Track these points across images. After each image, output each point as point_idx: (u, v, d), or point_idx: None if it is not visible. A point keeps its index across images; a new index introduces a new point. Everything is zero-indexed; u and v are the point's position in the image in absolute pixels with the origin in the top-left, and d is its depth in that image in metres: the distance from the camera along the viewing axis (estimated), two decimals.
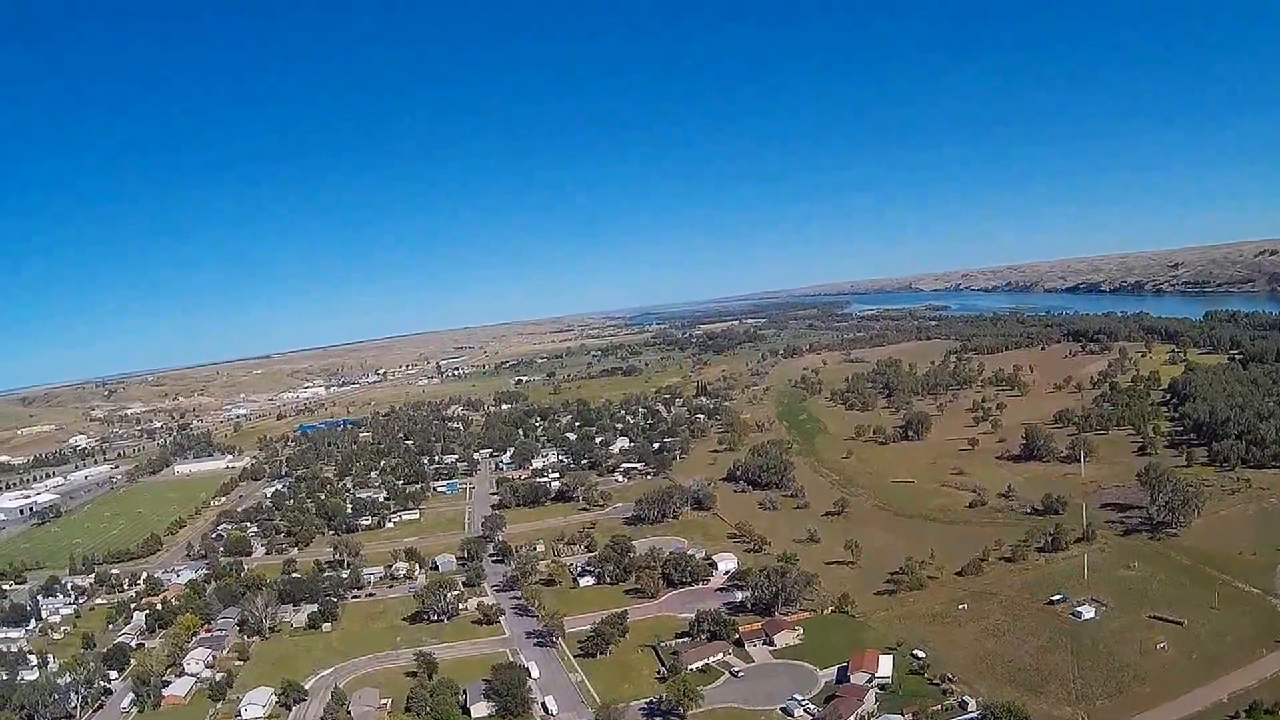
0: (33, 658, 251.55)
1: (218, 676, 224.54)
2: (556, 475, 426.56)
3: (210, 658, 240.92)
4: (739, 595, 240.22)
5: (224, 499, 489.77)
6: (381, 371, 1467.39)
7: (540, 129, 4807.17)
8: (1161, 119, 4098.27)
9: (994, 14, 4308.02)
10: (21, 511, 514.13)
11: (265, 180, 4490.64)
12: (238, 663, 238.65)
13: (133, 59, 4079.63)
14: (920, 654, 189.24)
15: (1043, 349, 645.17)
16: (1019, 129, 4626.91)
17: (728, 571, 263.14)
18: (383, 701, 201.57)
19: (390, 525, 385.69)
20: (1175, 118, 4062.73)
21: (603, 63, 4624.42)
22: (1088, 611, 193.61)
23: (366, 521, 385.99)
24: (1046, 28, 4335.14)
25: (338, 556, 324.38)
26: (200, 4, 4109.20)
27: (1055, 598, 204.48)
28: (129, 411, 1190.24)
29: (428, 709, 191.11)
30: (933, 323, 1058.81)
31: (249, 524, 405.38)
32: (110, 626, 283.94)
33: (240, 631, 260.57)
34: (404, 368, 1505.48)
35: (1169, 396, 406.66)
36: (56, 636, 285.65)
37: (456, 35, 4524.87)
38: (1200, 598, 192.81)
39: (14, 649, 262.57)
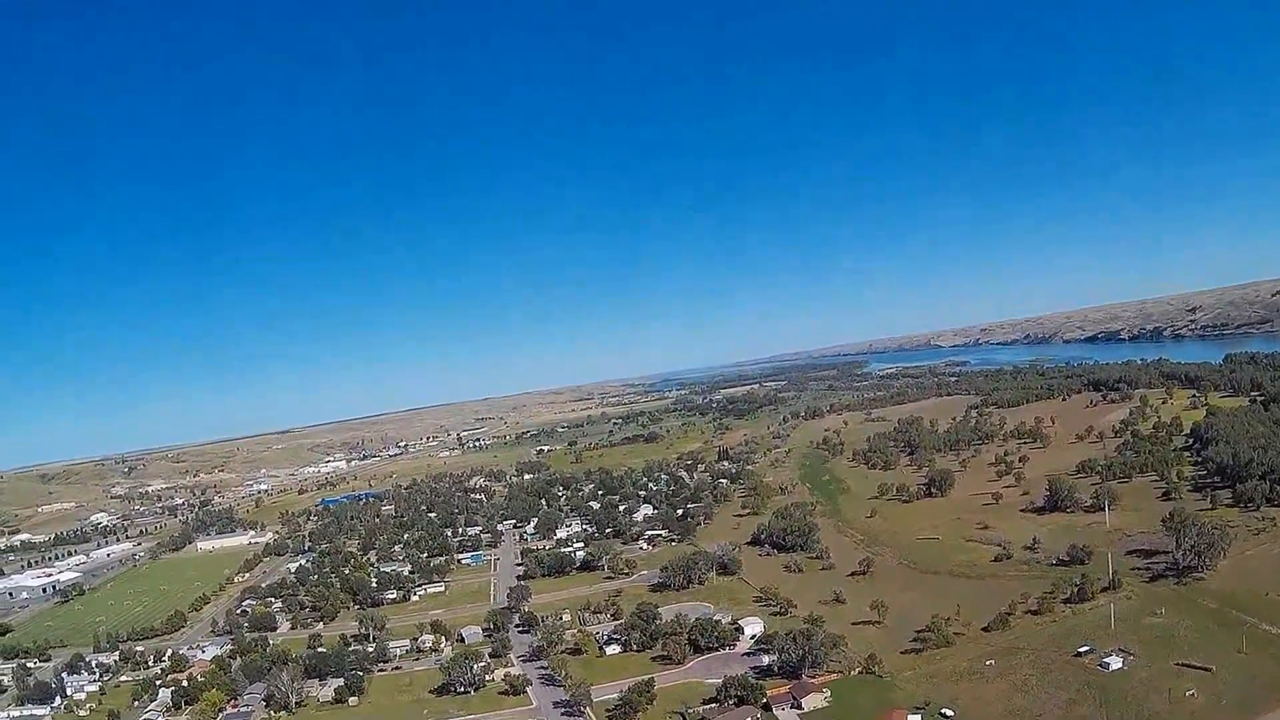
0: None
1: None
2: (581, 544, 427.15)
3: None
4: (765, 659, 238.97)
5: (247, 575, 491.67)
6: (403, 444, 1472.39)
7: (558, 200, 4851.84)
8: (1172, 162, 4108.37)
9: (1004, 66, 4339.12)
10: (44, 589, 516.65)
11: (285, 255, 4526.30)
12: None
13: (158, 132, 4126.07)
14: (948, 712, 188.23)
15: (1063, 400, 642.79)
16: (1030, 183, 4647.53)
17: (754, 635, 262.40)
18: None
19: (416, 598, 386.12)
20: (1187, 161, 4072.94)
21: (619, 132, 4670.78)
22: (1115, 662, 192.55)
23: (392, 595, 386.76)
24: (1055, 77, 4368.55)
25: (363, 630, 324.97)
26: (218, 82, 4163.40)
27: (1083, 649, 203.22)
28: (150, 488, 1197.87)
29: None
30: (952, 379, 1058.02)
31: (273, 599, 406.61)
32: (136, 704, 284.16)
33: (266, 707, 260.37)
34: (425, 440, 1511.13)
35: (1191, 441, 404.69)
36: (82, 714, 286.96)
37: (478, 102, 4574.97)
38: (1228, 642, 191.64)
39: None
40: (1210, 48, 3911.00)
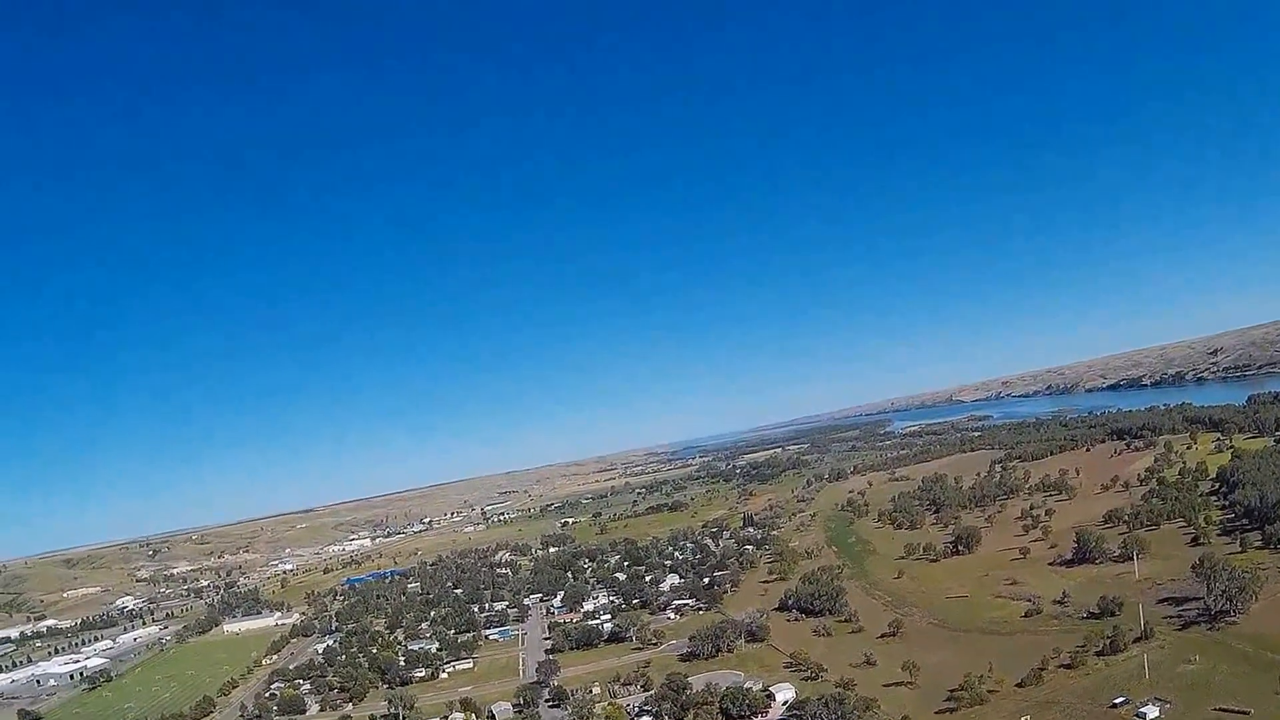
0: None
1: None
2: (608, 616, 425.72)
3: None
4: None
5: (275, 656, 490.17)
6: (426, 520, 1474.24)
7: (573, 269, 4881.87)
8: (1188, 205, 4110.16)
9: (1014, 114, 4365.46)
10: (71, 676, 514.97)
11: (301, 332, 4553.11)
12: None
13: (167, 207, 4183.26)
14: None
15: (1088, 450, 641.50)
16: (1047, 231, 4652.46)
17: (786, 702, 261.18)
18: None
19: (444, 675, 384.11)
20: (1203, 203, 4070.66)
21: (631, 198, 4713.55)
22: (1152, 711, 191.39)
23: (420, 673, 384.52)
24: (1063, 120, 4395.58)
25: (392, 710, 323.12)
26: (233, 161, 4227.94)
27: (1118, 700, 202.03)
28: (175, 571, 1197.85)
29: None
30: (975, 434, 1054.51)
31: (301, 681, 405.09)
32: None
33: None
34: (449, 515, 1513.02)
35: (1218, 485, 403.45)
36: None
37: (490, 163, 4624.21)
38: (1264, 684, 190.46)
39: None
40: (1228, 89, 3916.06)
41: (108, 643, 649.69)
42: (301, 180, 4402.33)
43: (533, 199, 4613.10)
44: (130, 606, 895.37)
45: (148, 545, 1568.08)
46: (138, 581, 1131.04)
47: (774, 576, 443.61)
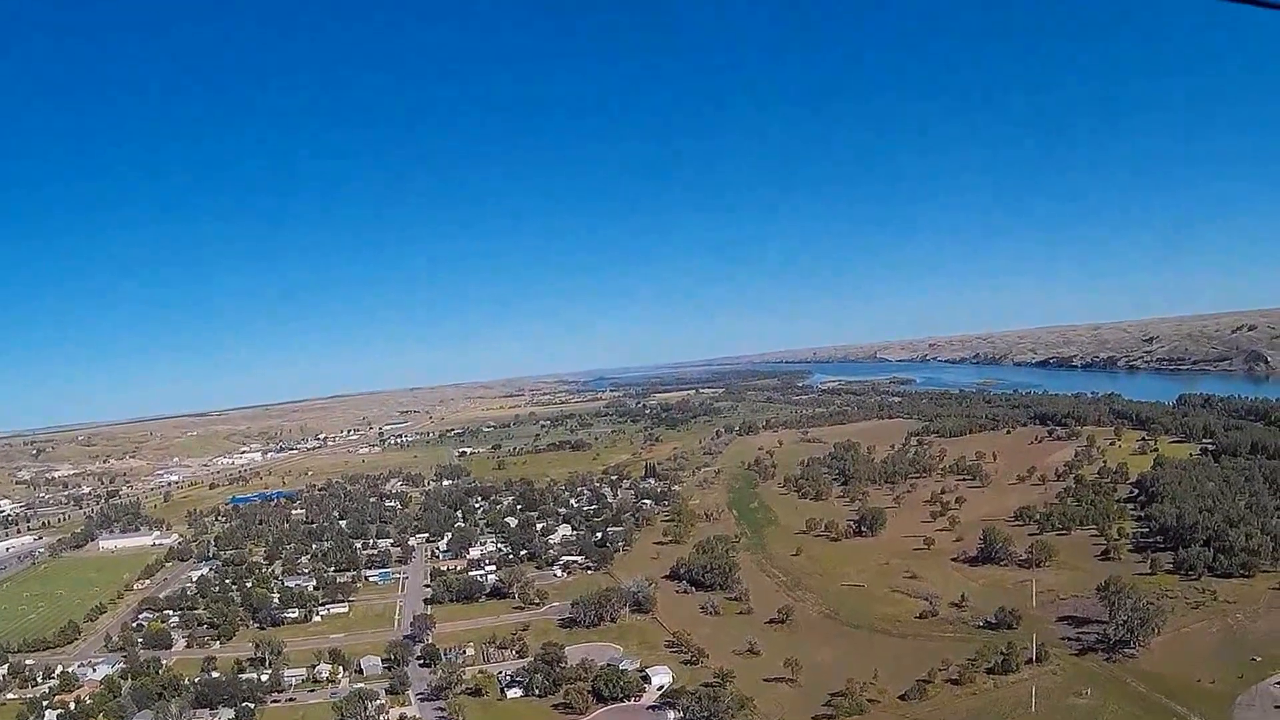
0: None
1: None
2: (493, 567, 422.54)
3: None
4: (671, 715, 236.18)
5: (148, 581, 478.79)
6: (322, 436, 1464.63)
7: (495, 182, 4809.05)
8: (1132, 184, 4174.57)
9: (960, 79, 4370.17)
10: None
11: (208, 224, 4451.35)
12: None
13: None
14: None
15: (1008, 433, 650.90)
16: (985, 194, 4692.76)
17: (661, 687, 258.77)
18: None
19: (318, 619, 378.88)
20: (1146, 184, 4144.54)
21: (558, 126, 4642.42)
22: None
23: (293, 614, 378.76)
24: (1014, 85, 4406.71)
25: (259, 654, 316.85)
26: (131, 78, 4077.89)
27: None
28: (57, 474, 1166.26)
29: None
30: (896, 399, 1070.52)
31: (171, 613, 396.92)
32: None
33: None
34: (345, 433, 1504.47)
35: (1136, 493, 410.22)
36: None
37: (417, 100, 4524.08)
38: None
39: None
40: (1177, 69, 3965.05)
41: None
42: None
43: (445, 106, 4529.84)
44: (7, 511, 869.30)
45: (32, 443, 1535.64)
46: (17, 484, 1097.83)
47: (669, 539, 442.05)
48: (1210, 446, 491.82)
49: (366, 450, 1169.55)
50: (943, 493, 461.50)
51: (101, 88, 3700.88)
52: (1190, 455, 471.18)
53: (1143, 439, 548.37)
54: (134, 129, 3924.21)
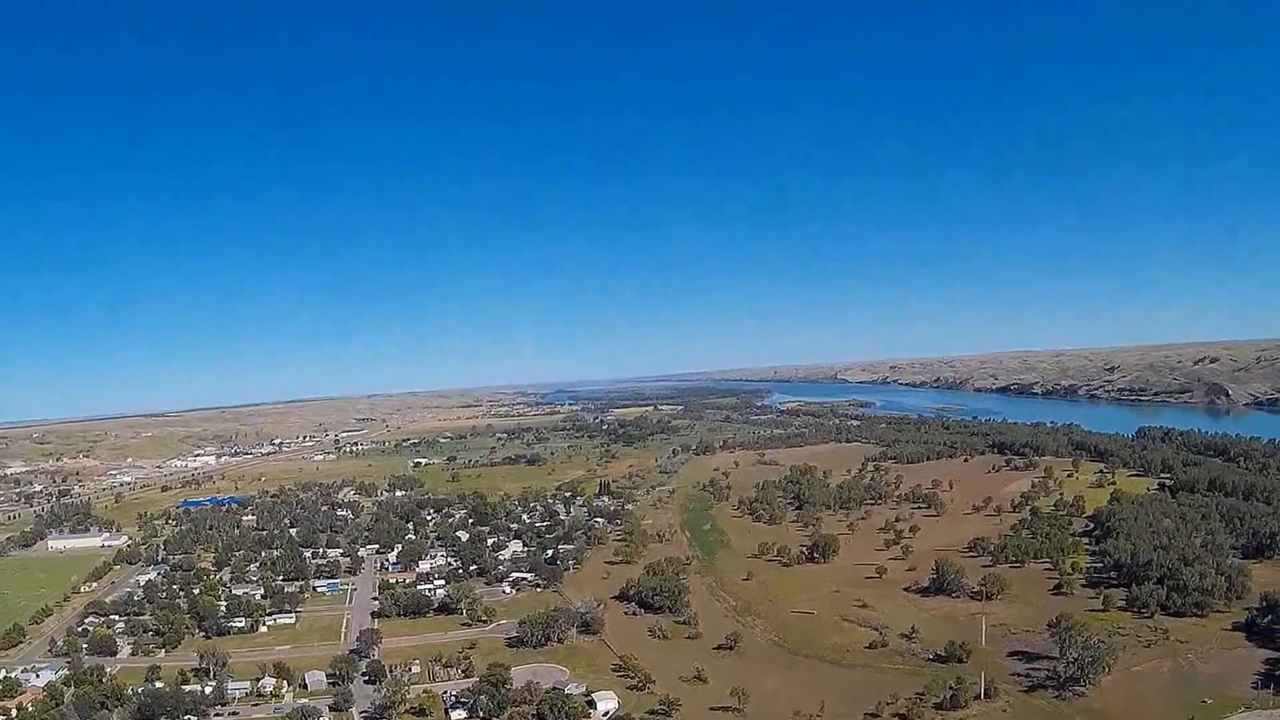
0: None
1: None
2: (442, 582, 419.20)
3: None
4: None
5: (95, 584, 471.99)
6: (277, 441, 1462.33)
7: (456, 193, 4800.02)
8: (1099, 211, 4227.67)
9: (925, 103, 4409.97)
10: None
11: (164, 223, 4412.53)
12: None
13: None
14: None
15: (966, 461, 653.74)
16: (953, 216, 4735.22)
17: (607, 713, 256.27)
18: None
19: (264, 629, 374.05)
20: (1111, 210, 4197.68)
21: (522, 135, 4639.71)
22: None
23: (240, 623, 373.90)
24: (982, 108, 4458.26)
25: (204, 665, 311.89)
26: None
27: None
28: (9, 471, 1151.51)
29: None
30: (854, 422, 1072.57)
31: (117, 618, 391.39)
32: None
33: None
34: (301, 439, 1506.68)
35: (1092, 527, 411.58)
36: None
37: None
38: None
39: None
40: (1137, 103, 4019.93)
41: None
42: None
43: (415, 107, 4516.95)
44: None
45: None
46: None
47: (620, 559, 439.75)
48: (1168, 481, 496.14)
49: (321, 457, 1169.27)
50: (897, 520, 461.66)
51: (60, 81, 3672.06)
52: (1147, 490, 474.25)
53: (1101, 471, 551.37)
54: (99, 125, 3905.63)
